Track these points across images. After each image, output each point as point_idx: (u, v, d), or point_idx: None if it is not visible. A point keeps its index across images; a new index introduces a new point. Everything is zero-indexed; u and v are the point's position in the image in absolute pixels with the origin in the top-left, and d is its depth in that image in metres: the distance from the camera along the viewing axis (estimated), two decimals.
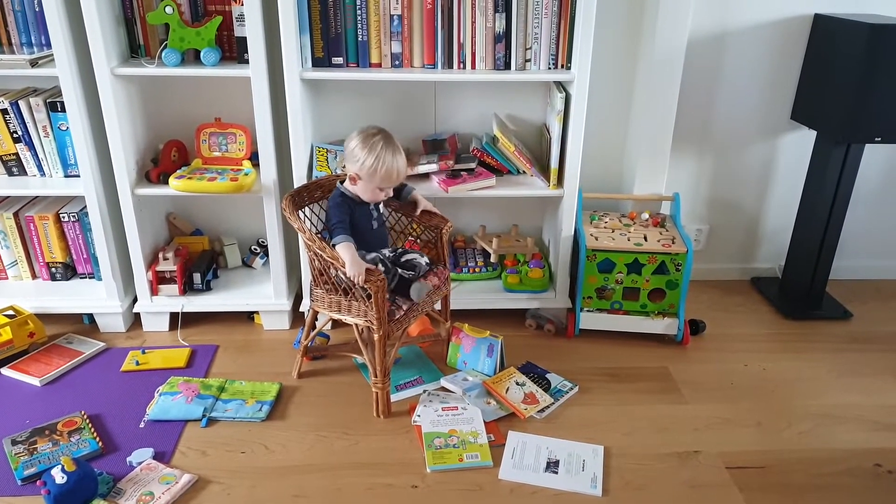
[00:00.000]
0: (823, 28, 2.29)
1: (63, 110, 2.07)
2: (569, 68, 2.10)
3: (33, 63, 1.97)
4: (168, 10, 1.99)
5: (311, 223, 2.05)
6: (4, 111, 2.11)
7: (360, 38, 2.07)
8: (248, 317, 2.39)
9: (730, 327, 2.43)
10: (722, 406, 2.01)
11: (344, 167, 2.16)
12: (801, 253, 2.52)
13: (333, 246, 1.85)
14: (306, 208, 2.03)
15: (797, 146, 2.54)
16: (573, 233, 2.28)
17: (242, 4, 1.95)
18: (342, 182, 1.98)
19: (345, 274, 1.82)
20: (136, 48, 2.12)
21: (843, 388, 2.11)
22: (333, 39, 2.06)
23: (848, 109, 2.15)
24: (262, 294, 2.34)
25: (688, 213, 2.63)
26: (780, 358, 2.26)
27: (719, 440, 1.88)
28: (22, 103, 2.10)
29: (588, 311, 2.29)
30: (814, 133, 2.41)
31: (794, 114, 2.46)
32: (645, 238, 2.25)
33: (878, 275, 2.79)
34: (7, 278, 2.35)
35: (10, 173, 2.20)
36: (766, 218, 2.68)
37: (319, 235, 1.91)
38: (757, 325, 2.46)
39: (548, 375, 2.10)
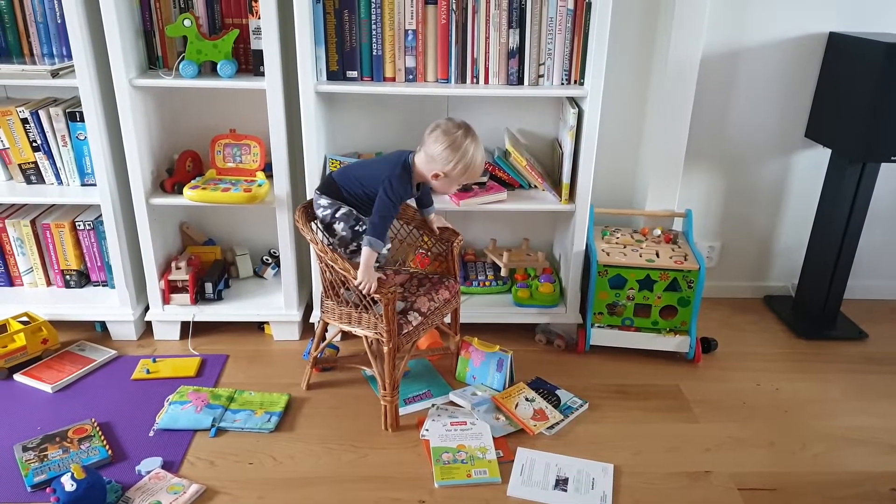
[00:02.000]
0: (838, 46, 2.29)
1: (82, 120, 2.10)
2: (582, 84, 2.11)
3: (54, 74, 2.00)
4: (186, 22, 2.02)
5: (323, 234, 2.06)
6: (25, 120, 2.14)
7: (374, 53, 2.08)
8: (259, 327, 2.40)
9: (742, 346, 2.41)
10: (734, 426, 1.99)
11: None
12: (815, 272, 2.50)
13: (361, 245, 1.84)
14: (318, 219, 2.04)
15: (811, 164, 2.52)
16: (584, 248, 2.27)
17: (259, 18, 1.98)
18: (410, 156, 1.89)
19: (355, 288, 1.82)
20: (154, 60, 2.15)
21: (858, 409, 2.08)
22: (348, 53, 2.08)
23: (863, 128, 2.14)
24: (272, 305, 2.35)
25: (700, 229, 2.62)
26: (794, 378, 2.24)
27: (731, 460, 1.85)
28: (42, 113, 2.13)
29: (599, 326, 2.28)
30: (828, 151, 2.39)
31: (809, 131, 2.45)
32: (657, 254, 2.24)
33: (894, 295, 2.75)
34: (23, 285, 2.38)
35: (29, 181, 2.23)
36: (779, 236, 2.67)
37: (331, 247, 1.92)
38: (770, 345, 2.44)
39: (557, 391, 2.09)
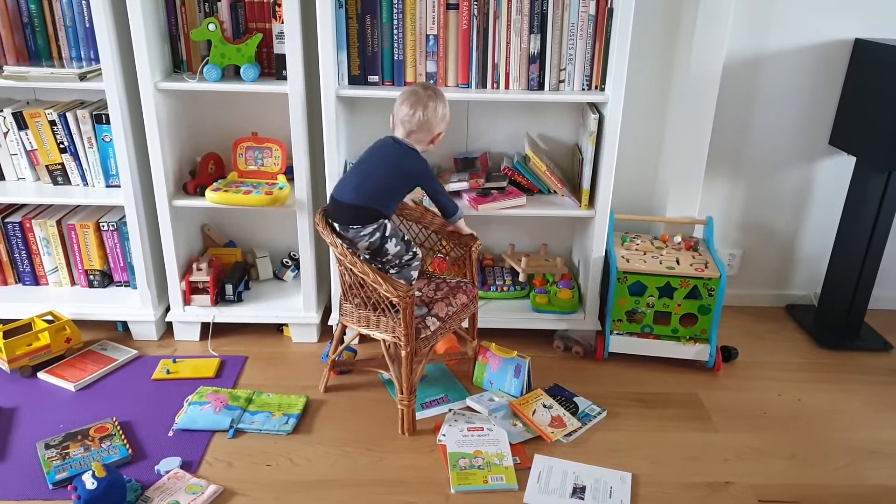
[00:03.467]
0: (864, 53, 2.26)
1: (107, 122, 2.13)
2: (603, 90, 2.10)
3: (82, 77, 2.03)
4: (211, 27, 2.04)
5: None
6: (53, 122, 2.18)
7: (395, 57, 2.09)
8: (278, 329, 2.42)
9: (763, 355, 2.37)
10: (754, 436, 1.97)
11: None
12: (838, 281, 2.46)
13: (456, 217, 2.00)
14: None
15: (835, 172, 2.49)
16: (604, 254, 2.26)
17: (282, 23, 2.00)
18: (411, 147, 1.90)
19: (376, 292, 1.83)
20: (178, 63, 2.18)
21: (882, 422, 2.05)
22: (370, 58, 2.10)
23: (890, 136, 2.11)
24: (291, 307, 2.36)
25: (721, 237, 2.59)
26: (816, 388, 2.20)
27: (751, 471, 1.83)
28: (69, 115, 2.17)
29: (618, 334, 2.26)
30: (853, 159, 2.36)
31: (833, 139, 2.42)
32: (677, 261, 2.22)
33: None
34: (48, 284, 2.42)
35: (56, 182, 2.27)
36: (801, 244, 2.63)
37: (350, 251, 1.92)
38: (792, 354, 2.40)
39: (575, 399, 2.08)
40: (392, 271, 1.96)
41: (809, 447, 1.93)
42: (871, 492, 1.77)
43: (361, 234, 1.88)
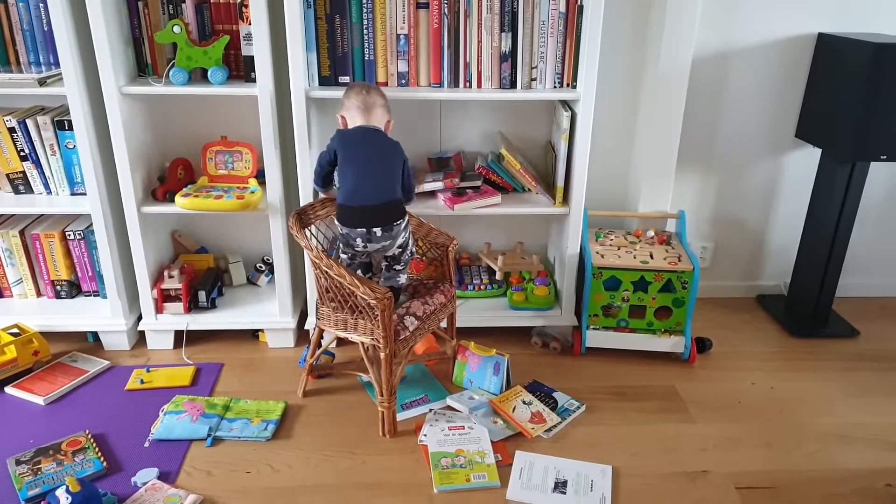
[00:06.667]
0: (827, 47, 2.31)
1: (70, 129, 2.07)
2: (574, 87, 2.11)
3: (41, 82, 1.98)
4: (176, 29, 2.00)
5: (318, 241, 2.05)
6: (12, 129, 2.12)
7: (366, 57, 2.08)
8: (253, 335, 2.39)
9: (736, 345, 2.42)
10: (730, 425, 2.00)
11: None
12: (806, 270, 2.52)
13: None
14: (312, 226, 2.03)
15: (802, 164, 2.55)
16: (579, 250, 2.27)
17: (250, 24, 1.97)
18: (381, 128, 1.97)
19: (354, 296, 1.82)
20: (143, 67, 2.13)
21: (852, 407, 2.10)
22: (340, 58, 2.08)
23: (853, 128, 2.16)
24: (267, 312, 2.33)
25: (693, 230, 2.63)
26: (788, 377, 2.25)
27: (728, 460, 1.86)
28: (29, 122, 2.11)
29: (594, 328, 2.28)
30: (819, 151, 2.41)
31: (799, 132, 2.47)
32: (651, 256, 2.25)
33: (885, 292, 2.78)
34: (12, 296, 2.35)
35: (17, 191, 2.20)
36: (771, 235, 2.68)
37: (326, 252, 1.91)
38: (764, 343, 2.45)
39: (554, 394, 2.09)
40: (387, 274, 1.99)
41: (783, 434, 1.97)
42: (843, 475, 1.82)
43: (403, 226, 1.92)
